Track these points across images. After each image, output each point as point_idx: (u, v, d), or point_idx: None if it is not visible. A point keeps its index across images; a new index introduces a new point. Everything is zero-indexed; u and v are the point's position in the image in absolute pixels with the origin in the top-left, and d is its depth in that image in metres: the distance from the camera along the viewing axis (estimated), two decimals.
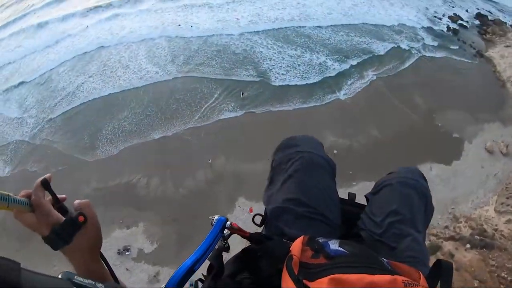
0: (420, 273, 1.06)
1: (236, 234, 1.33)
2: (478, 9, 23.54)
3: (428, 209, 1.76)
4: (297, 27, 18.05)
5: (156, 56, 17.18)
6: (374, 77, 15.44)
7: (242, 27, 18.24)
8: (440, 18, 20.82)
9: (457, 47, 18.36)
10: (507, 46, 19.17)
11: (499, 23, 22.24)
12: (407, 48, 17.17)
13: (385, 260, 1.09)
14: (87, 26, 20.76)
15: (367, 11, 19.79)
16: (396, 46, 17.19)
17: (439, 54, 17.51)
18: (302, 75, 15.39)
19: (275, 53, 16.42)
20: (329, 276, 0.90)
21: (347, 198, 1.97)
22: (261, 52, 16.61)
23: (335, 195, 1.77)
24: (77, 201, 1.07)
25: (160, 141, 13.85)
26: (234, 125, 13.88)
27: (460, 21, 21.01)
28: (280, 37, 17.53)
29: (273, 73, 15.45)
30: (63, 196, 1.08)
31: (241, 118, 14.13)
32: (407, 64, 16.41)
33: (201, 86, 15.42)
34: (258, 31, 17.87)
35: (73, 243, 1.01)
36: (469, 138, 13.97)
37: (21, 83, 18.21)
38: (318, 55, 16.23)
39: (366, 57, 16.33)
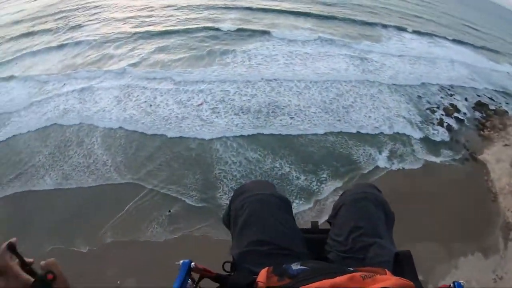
0: (386, 269, 1.36)
1: (204, 276, 1.70)
2: (479, 95, 21.48)
3: (388, 215, 2.07)
4: (264, 122, 15.55)
5: (108, 150, 14.83)
6: (334, 194, 12.60)
7: (202, 117, 15.75)
8: (433, 111, 18.55)
9: (447, 149, 15.79)
10: (506, 145, 16.57)
11: (500, 113, 20.01)
12: (387, 155, 14.68)
13: (351, 269, 1.35)
14: (65, 93, 18.94)
15: (352, 103, 17.39)
16: (376, 151, 14.71)
17: (422, 158, 15.01)
18: None
19: (232, 154, 13.78)
20: None
21: (310, 227, 2.40)
22: (217, 150, 14.08)
23: (294, 227, 2.03)
24: (43, 262, 1.18)
25: (84, 249, 11.68)
26: (159, 246, 11.44)
27: (456, 114, 18.77)
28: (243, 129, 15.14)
29: (223, 185, 12.74)
30: (31, 260, 1.20)
31: (167, 239, 11.66)
32: (381, 174, 13.85)
33: (134, 192, 12.96)
34: (219, 124, 15.38)
35: None
36: (435, 280, 10.63)
37: None
38: (282, 162, 13.49)
39: (341, 168, 13.70)
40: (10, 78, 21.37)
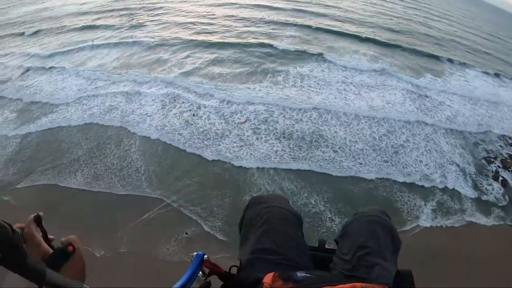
0: (386, 287, 1.28)
1: (213, 272, 1.77)
2: None
3: (395, 241, 2.11)
4: (305, 153, 14.67)
5: (143, 156, 14.57)
6: None
7: (242, 137, 15.19)
8: (490, 161, 17.04)
9: (498, 208, 14.21)
10: None
11: None
12: (433, 208, 13.44)
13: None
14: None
15: (403, 142, 16.25)
16: (422, 202, 13.52)
17: (469, 220, 13.51)
18: None
19: (267, 182, 13.12)
20: None
21: (317, 245, 2.45)
22: (253, 174, 13.53)
23: (303, 243, 2.15)
24: (63, 238, 1.27)
25: (98, 254, 11.13)
26: (172, 266, 10.66)
27: None
28: (282, 157, 14.38)
29: None
30: (52, 236, 1.29)
31: (182, 261, 10.80)
32: (419, 228, 12.60)
33: (156, 204, 12.52)
34: (259, 149, 14.65)
35: (60, 272, 1.15)
36: None
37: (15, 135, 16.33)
38: (318, 198, 12.63)
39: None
40: (66, 68, 22.00)
